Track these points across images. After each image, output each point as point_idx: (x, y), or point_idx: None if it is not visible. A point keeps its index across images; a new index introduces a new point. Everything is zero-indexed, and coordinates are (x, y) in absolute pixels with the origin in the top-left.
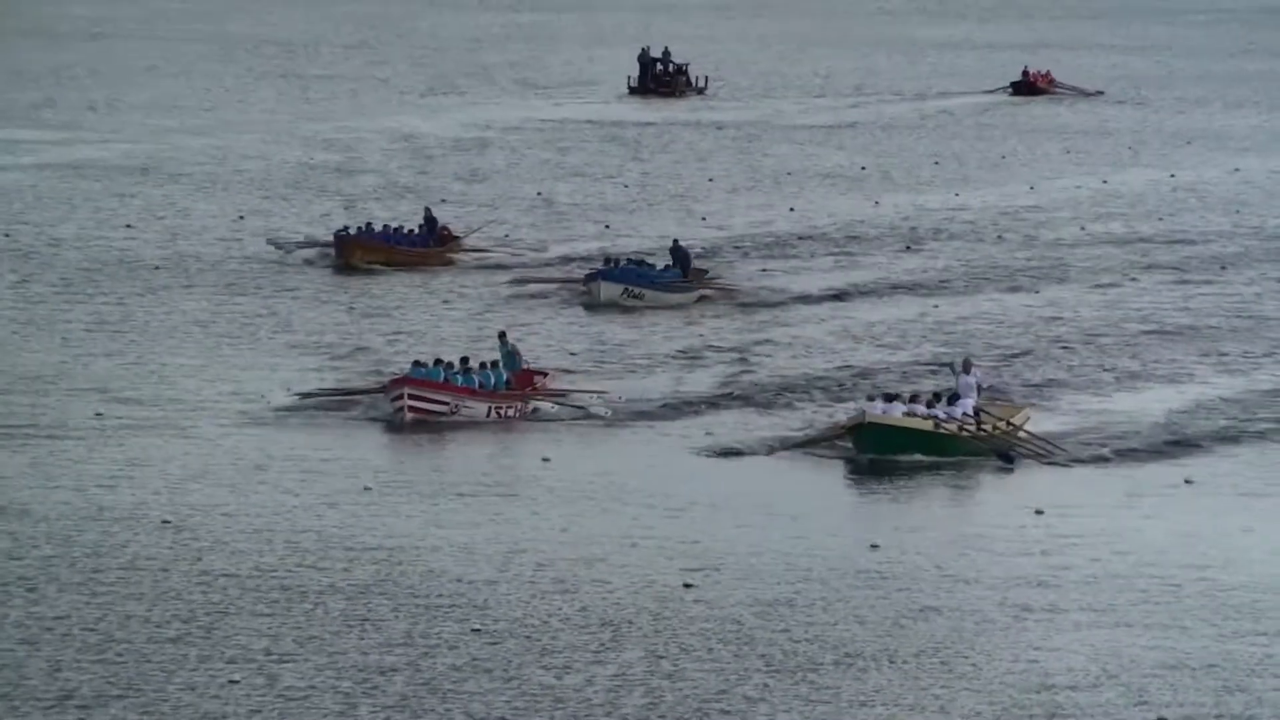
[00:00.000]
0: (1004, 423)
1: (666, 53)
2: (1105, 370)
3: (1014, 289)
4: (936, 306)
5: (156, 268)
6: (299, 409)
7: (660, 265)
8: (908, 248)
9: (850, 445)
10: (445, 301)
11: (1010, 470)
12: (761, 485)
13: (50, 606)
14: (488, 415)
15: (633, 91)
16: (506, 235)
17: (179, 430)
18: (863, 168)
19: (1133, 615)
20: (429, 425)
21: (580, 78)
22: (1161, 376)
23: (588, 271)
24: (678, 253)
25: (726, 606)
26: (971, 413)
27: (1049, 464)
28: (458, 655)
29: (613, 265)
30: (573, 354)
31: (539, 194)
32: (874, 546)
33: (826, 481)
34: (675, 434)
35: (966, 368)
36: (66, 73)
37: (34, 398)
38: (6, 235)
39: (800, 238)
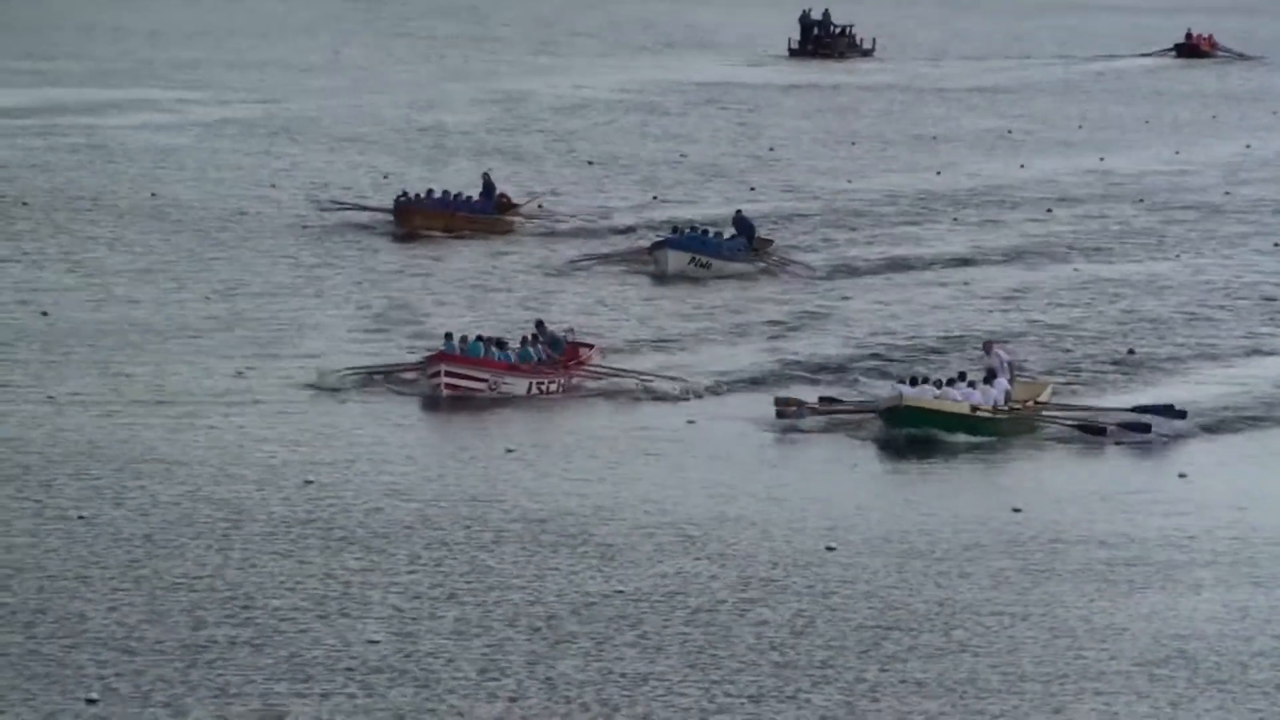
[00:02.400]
0: (1031, 401)
1: (827, 14)
2: (1245, 337)
3: (1156, 254)
4: (1076, 270)
5: (301, 226)
6: (347, 384)
7: (726, 235)
8: (1049, 210)
9: (883, 425)
10: (504, 271)
11: (1103, 443)
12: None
13: (195, 564)
14: (528, 392)
15: (793, 54)
16: (550, 198)
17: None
18: (1009, 131)
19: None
20: (469, 402)
21: (738, 41)
22: None
23: (654, 240)
24: (742, 222)
25: (869, 570)
26: (1002, 396)
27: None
28: (598, 616)
29: (679, 234)
30: (630, 323)
31: (683, 155)
32: (1015, 510)
33: (951, 447)
34: (739, 412)
35: (988, 349)
36: (204, 33)
37: (172, 356)
38: (153, 195)
39: (942, 200)
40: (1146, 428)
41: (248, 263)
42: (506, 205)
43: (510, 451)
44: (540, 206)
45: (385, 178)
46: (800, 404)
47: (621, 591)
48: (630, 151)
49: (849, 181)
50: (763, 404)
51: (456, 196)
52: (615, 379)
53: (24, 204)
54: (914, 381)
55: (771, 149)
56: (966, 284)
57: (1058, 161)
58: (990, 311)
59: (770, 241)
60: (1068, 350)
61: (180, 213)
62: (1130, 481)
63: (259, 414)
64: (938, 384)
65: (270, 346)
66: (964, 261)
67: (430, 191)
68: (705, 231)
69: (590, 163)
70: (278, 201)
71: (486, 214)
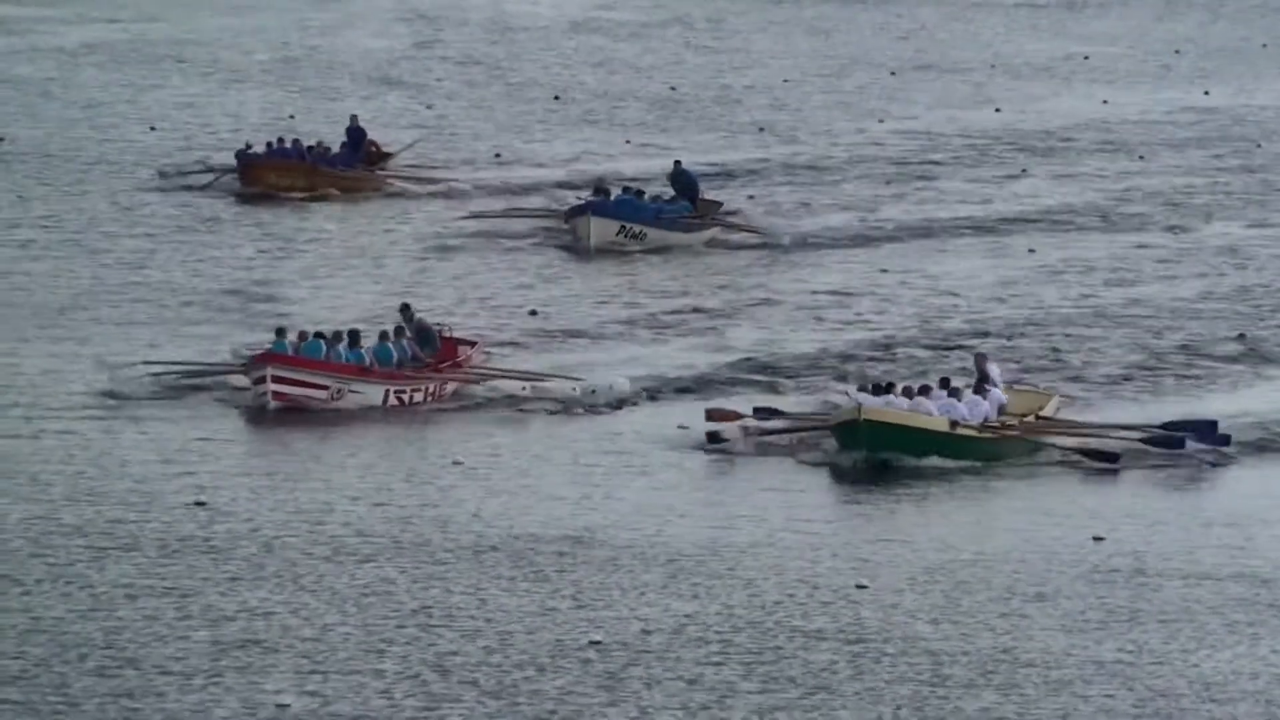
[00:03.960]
0: (1031, 416)
1: None
2: None
3: (1259, 220)
4: (1175, 233)
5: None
6: (148, 389)
7: (664, 196)
8: (1141, 157)
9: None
10: (373, 242)
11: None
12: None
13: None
14: (385, 401)
15: None
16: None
17: None
18: (1086, 56)
19: None
20: (303, 415)
21: None
22: None
23: (571, 204)
24: (681, 178)
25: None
26: (994, 410)
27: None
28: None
29: (604, 196)
30: (533, 314)
31: (673, 88)
32: (1098, 538)
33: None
34: (655, 425)
35: (979, 364)
36: None
37: None
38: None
39: (1004, 144)
40: (1180, 442)
41: (82, 229)
42: (378, 156)
43: (328, 480)
44: (418, 175)
45: (291, 117)
46: (738, 415)
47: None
48: (598, 84)
49: (880, 121)
50: (689, 414)
51: (316, 146)
52: (500, 382)
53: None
54: (878, 389)
55: (786, 80)
56: (1000, 254)
57: (1149, 96)
58: (1025, 294)
59: (718, 203)
60: (1159, 340)
61: (32, 161)
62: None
63: (26, 422)
64: (908, 392)
65: (71, 334)
66: (1011, 224)
67: (281, 141)
68: (640, 193)
69: (557, 98)
70: (150, 150)
71: (353, 168)
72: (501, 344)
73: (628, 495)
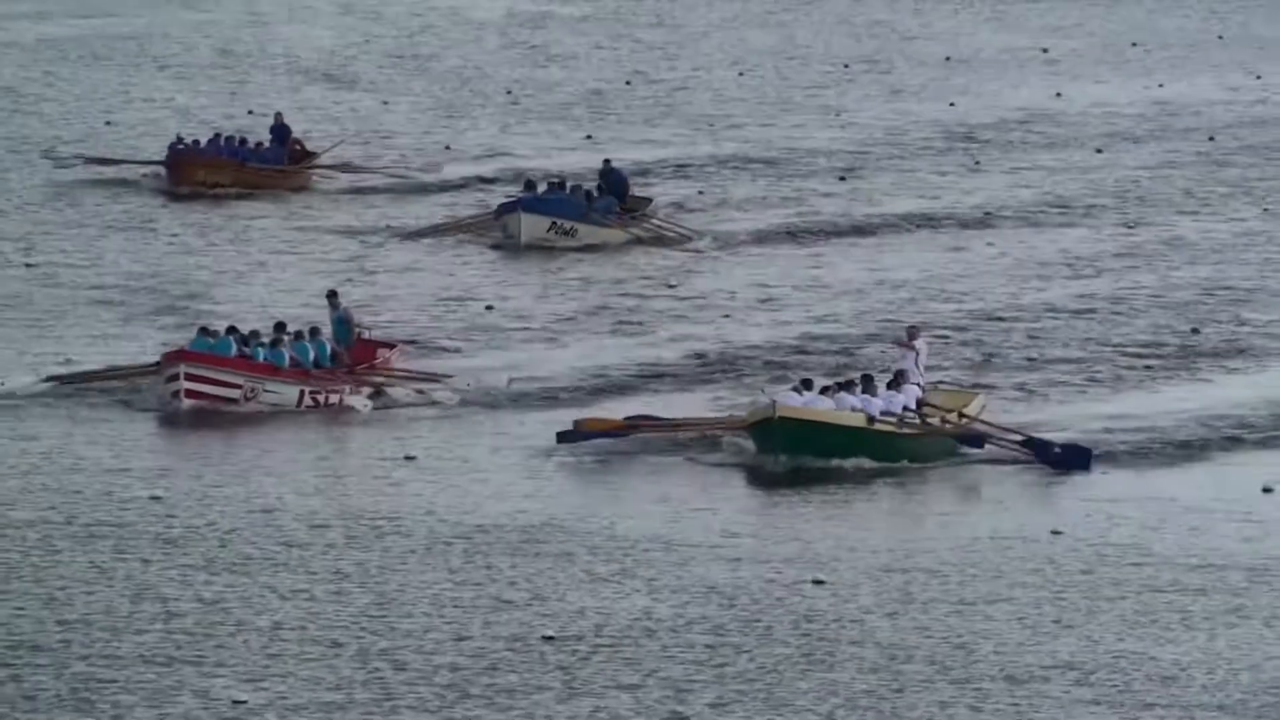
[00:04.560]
0: (954, 414)
1: None
2: None
3: (1233, 209)
4: (1128, 229)
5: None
6: (54, 394)
7: (592, 192)
8: (1098, 150)
9: (751, 443)
10: (298, 241)
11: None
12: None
13: None
14: (300, 402)
15: None
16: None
17: None
18: (1044, 50)
19: None
20: (217, 413)
21: None
22: None
23: (502, 201)
24: (611, 175)
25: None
26: (913, 404)
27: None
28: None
29: (532, 192)
30: (490, 309)
31: (628, 82)
32: (1055, 532)
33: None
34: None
35: (912, 336)
36: None
37: None
38: None
39: (959, 137)
40: (1048, 456)
41: (6, 221)
42: (301, 154)
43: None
44: (349, 165)
45: (250, 112)
46: (609, 422)
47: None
48: (550, 79)
49: (836, 115)
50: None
51: (242, 142)
52: (393, 384)
53: None
54: (796, 389)
55: (741, 73)
56: (956, 249)
57: (1106, 89)
58: (974, 290)
59: (648, 200)
60: (1111, 337)
61: None
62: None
63: None
64: (825, 391)
65: None
66: (964, 219)
67: (217, 137)
68: (574, 188)
69: (509, 92)
70: (106, 143)
71: (279, 164)
72: (426, 344)
73: (560, 492)
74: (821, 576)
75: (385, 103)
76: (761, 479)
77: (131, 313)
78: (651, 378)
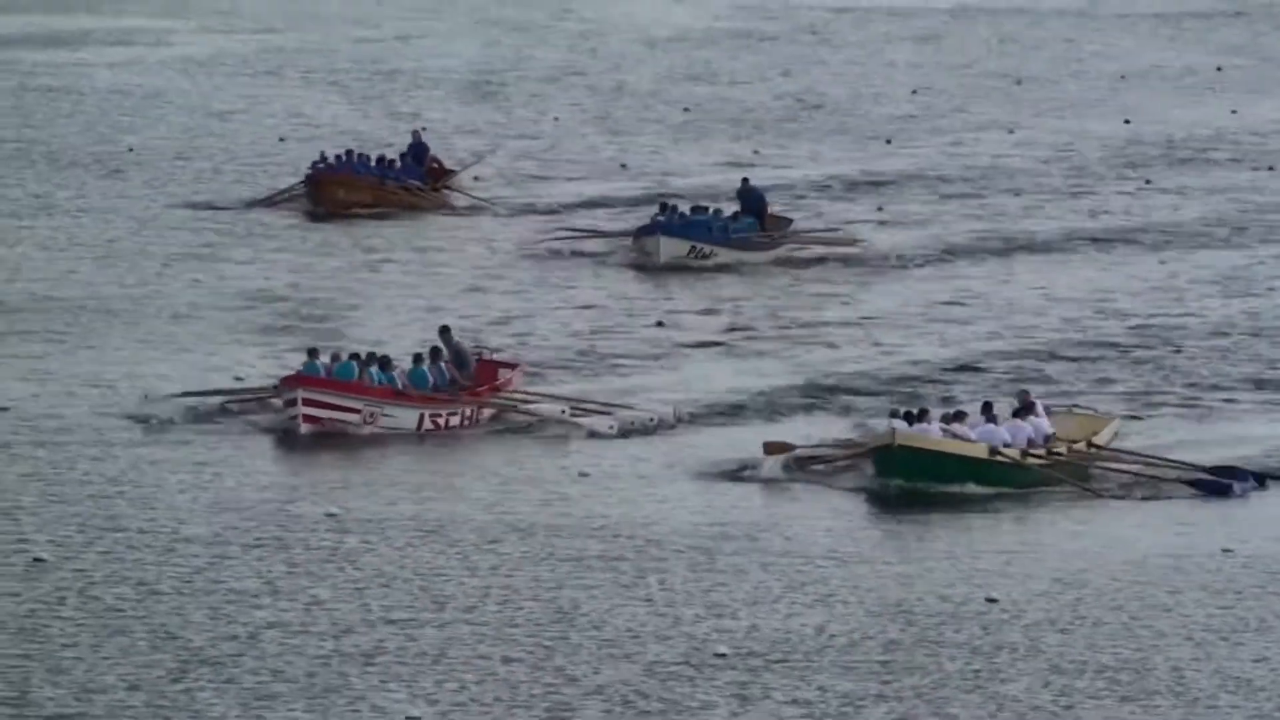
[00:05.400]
0: (1084, 443)
1: None
2: None
3: None
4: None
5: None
6: (186, 413)
7: (727, 212)
8: (1271, 168)
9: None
10: (435, 261)
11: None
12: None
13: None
14: (420, 426)
15: None
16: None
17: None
18: (1218, 68)
19: None
20: (335, 439)
21: None
22: None
23: (641, 224)
24: (749, 194)
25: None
26: (1039, 435)
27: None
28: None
29: (671, 214)
30: (660, 325)
31: (800, 100)
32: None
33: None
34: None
35: (1025, 405)
36: None
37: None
38: (130, 150)
39: (1126, 155)
40: (1225, 488)
41: (153, 239)
42: (440, 173)
43: (332, 516)
44: (476, 179)
45: (424, 129)
46: (791, 447)
47: None
48: (729, 94)
49: (1010, 132)
50: (739, 445)
51: (380, 161)
52: (535, 408)
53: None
54: (910, 418)
55: (915, 91)
56: (1125, 266)
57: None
58: (1136, 309)
59: (788, 220)
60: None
61: (158, 172)
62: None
63: (53, 449)
64: (945, 419)
65: (125, 355)
66: (1134, 236)
67: (350, 154)
68: (716, 211)
69: (686, 109)
70: (280, 161)
71: (421, 182)
72: (555, 367)
73: (731, 507)
74: (993, 594)
75: (556, 119)
76: (923, 500)
77: (270, 330)
78: (817, 395)
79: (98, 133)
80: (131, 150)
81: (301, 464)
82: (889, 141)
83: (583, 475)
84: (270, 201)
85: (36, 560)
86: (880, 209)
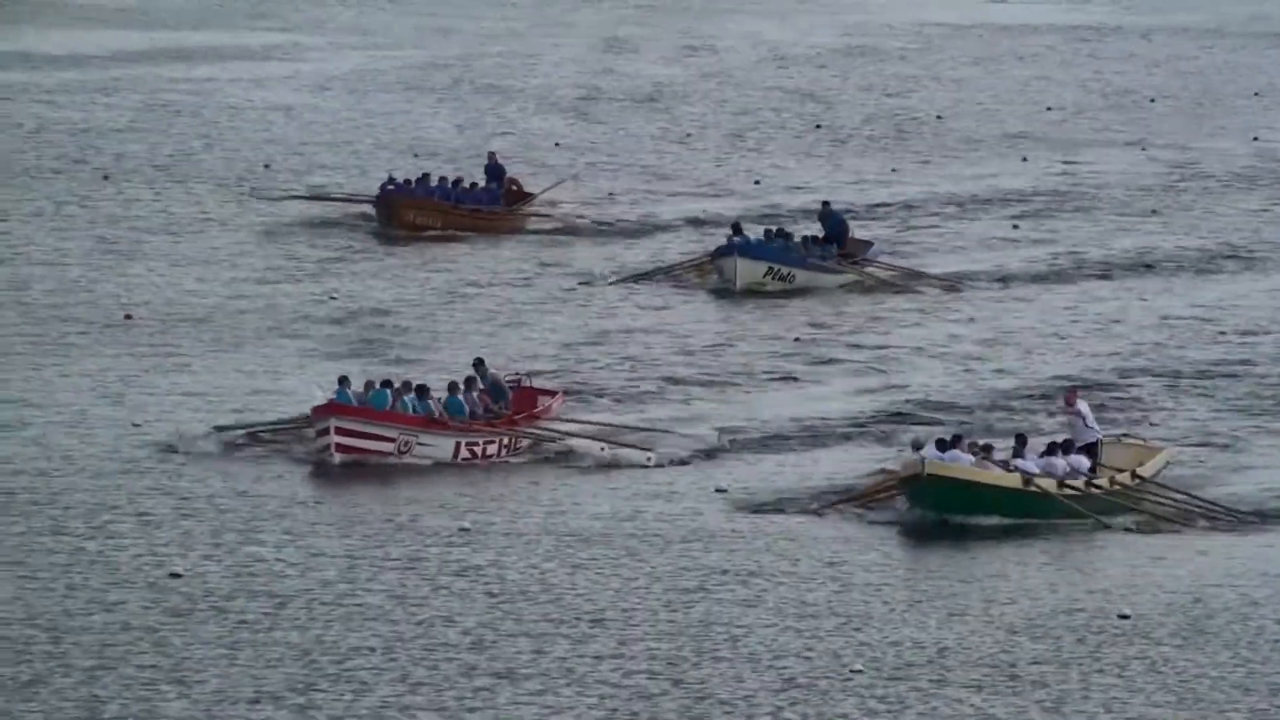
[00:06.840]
0: (1129, 474)
1: None
2: None
3: None
4: None
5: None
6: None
7: (807, 235)
8: None
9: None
10: (506, 284)
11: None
12: None
13: None
14: (456, 455)
15: None
16: (610, 193)
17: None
18: None
19: None
20: (369, 470)
21: None
22: None
23: (718, 245)
24: (829, 218)
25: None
26: (1083, 467)
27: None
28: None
29: (743, 237)
30: (664, 359)
31: (939, 116)
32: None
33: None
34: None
35: (1070, 403)
36: None
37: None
38: (267, 168)
39: (1251, 174)
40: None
41: (229, 256)
42: (518, 195)
43: (465, 531)
44: (554, 203)
45: (557, 145)
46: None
47: None
48: (857, 110)
49: (1142, 150)
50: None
51: (455, 184)
52: (574, 440)
53: (105, 178)
54: (943, 444)
55: (1049, 108)
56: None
57: None
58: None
59: (869, 243)
60: None
61: (288, 185)
62: None
63: (78, 483)
64: (974, 448)
65: (181, 365)
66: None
67: (426, 176)
68: (787, 234)
69: (819, 126)
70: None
71: (493, 204)
72: (615, 395)
73: (863, 525)
74: (1126, 610)
75: (688, 135)
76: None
77: (322, 359)
78: (884, 422)
79: (226, 148)
80: (268, 167)
81: (454, 474)
82: (1025, 160)
83: (720, 491)
84: (329, 198)
85: (173, 575)
86: (1016, 226)
